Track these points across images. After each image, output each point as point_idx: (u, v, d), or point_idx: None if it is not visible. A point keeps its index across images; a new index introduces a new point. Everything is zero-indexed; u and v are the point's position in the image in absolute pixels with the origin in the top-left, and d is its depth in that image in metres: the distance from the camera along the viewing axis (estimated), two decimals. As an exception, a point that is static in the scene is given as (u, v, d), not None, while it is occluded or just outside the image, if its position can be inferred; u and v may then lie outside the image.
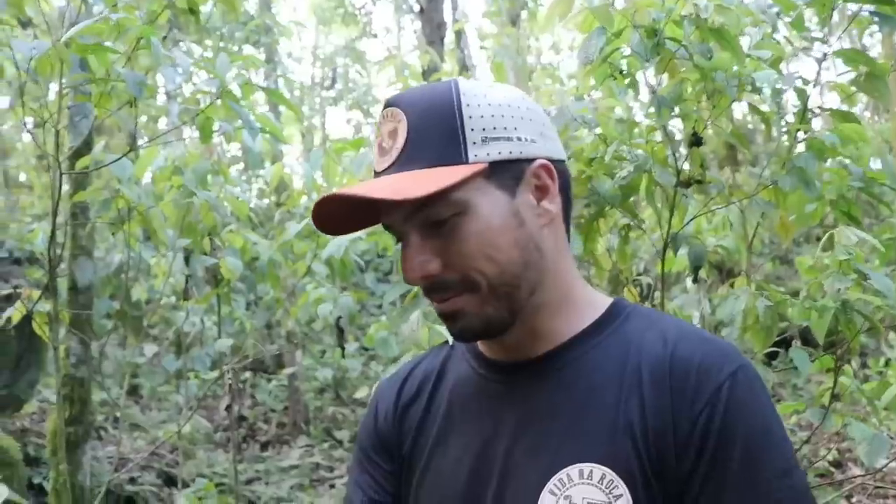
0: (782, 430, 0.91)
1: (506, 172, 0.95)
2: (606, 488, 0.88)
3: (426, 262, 0.94)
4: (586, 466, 0.90)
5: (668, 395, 0.90)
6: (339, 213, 0.97)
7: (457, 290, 0.94)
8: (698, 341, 0.95)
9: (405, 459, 1.09)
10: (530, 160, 0.97)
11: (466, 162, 0.92)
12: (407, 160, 0.93)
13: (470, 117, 0.94)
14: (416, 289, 1.99)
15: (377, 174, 0.97)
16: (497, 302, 0.95)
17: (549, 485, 0.91)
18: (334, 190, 0.96)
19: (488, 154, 0.93)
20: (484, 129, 0.94)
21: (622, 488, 0.88)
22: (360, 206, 0.96)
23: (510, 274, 0.94)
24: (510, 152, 0.95)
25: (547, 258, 0.98)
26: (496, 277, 0.94)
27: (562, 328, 1.00)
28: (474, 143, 0.93)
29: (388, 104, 0.98)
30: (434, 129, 0.93)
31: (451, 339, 1.16)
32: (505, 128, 0.95)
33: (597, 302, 1.03)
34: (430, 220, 0.93)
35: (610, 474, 0.89)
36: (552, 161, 0.99)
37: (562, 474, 0.91)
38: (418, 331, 1.72)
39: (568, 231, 1.04)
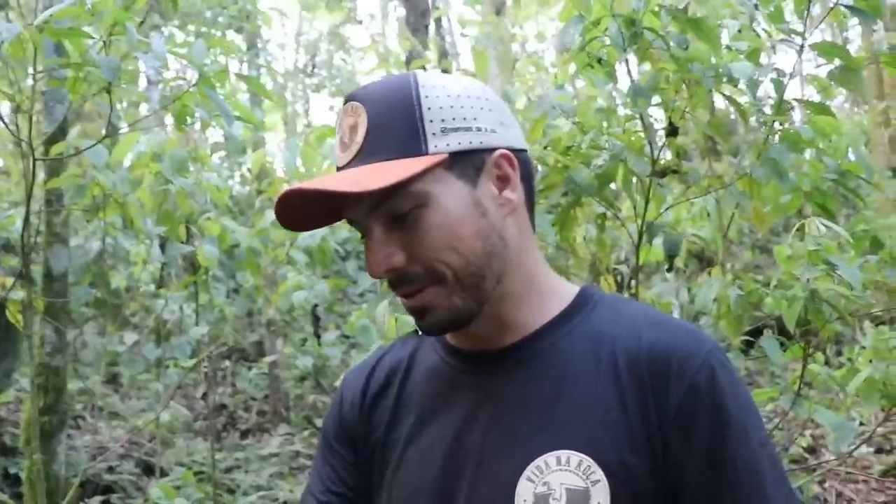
0: (753, 406, 0.95)
1: (466, 163, 0.95)
2: (584, 474, 0.89)
3: (390, 255, 0.93)
4: (563, 453, 0.91)
5: (646, 382, 0.92)
6: (303, 209, 0.97)
7: (423, 282, 0.94)
8: (668, 328, 0.96)
9: (376, 451, 1.08)
10: (491, 150, 0.97)
11: (426, 153, 0.92)
12: (367, 153, 0.93)
13: (429, 108, 0.94)
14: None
15: (339, 169, 0.97)
16: (464, 293, 0.95)
17: (527, 472, 0.91)
18: (295, 185, 0.95)
19: (448, 145, 0.94)
20: (443, 121, 0.94)
21: (600, 474, 0.89)
22: (322, 201, 0.95)
23: (475, 265, 0.94)
24: (470, 142, 0.95)
25: (510, 247, 0.98)
26: (461, 268, 0.94)
27: (528, 318, 1.00)
28: (433, 133, 0.93)
29: (347, 99, 0.98)
30: (393, 122, 0.93)
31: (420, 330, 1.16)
32: (464, 118, 0.95)
33: (563, 291, 1.04)
34: (393, 212, 0.93)
35: (587, 461, 0.89)
36: (513, 150, 0.99)
37: (539, 461, 0.91)
38: (385, 321, 1.72)
39: (532, 220, 1.04)
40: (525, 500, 0.91)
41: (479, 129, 0.96)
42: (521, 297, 1.00)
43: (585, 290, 1.04)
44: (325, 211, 0.98)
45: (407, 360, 1.11)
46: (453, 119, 0.95)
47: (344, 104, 0.98)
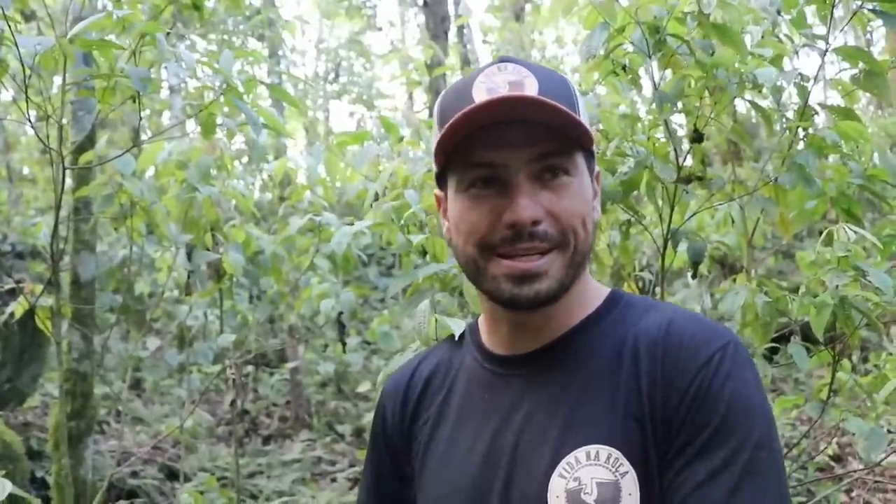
0: (766, 407, 0.93)
1: (591, 162, 1.05)
2: (613, 467, 0.91)
3: (537, 209, 0.96)
4: (593, 448, 0.93)
5: (661, 369, 0.94)
6: (468, 127, 0.96)
7: (551, 245, 0.97)
8: (690, 320, 0.99)
9: (417, 456, 1.12)
10: (595, 166, 1.06)
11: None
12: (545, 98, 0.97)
13: (580, 103, 1.02)
14: (419, 280, 1.99)
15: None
16: (572, 269, 0.99)
17: (559, 469, 0.94)
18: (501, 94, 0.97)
19: (590, 139, 1.01)
20: (587, 115, 1.04)
21: (627, 466, 0.91)
22: (491, 131, 0.95)
23: (587, 245, 1.01)
24: (593, 148, 1.05)
25: (591, 250, 1.06)
26: (582, 243, 0.99)
27: (567, 317, 1.04)
28: (582, 119, 1.00)
29: (502, 60, 1.01)
30: (560, 92, 0.99)
31: (456, 332, 1.19)
32: (590, 126, 1.04)
33: (599, 292, 1.08)
34: (551, 167, 0.97)
35: (616, 453, 0.92)
36: None
37: (570, 458, 0.93)
38: (426, 322, 1.72)
39: None
40: (558, 497, 0.93)
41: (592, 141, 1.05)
42: (576, 299, 1.04)
43: (615, 293, 1.08)
44: (480, 144, 0.97)
45: (445, 366, 1.15)
46: (588, 122, 1.03)
47: (495, 63, 1.01)
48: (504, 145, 0.95)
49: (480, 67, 1.03)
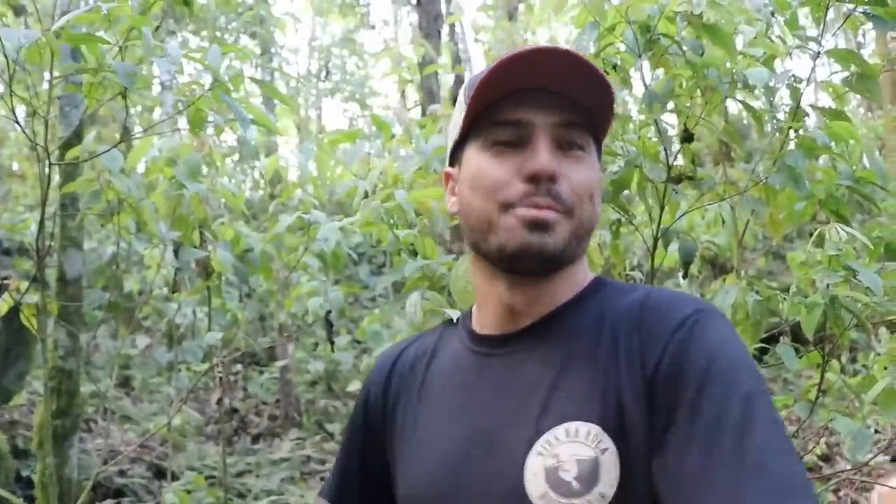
0: (748, 359, 0.91)
1: (599, 151, 1.08)
2: (592, 443, 0.90)
3: (557, 165, 0.99)
4: (572, 425, 0.92)
5: (638, 340, 0.94)
6: (507, 76, 0.99)
7: (563, 207, 0.99)
8: (668, 294, 1.00)
9: (395, 433, 1.13)
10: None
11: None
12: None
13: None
14: (406, 276, 1.99)
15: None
16: (575, 241, 1.01)
17: (537, 446, 0.93)
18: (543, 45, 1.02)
19: (607, 128, 1.07)
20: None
21: (608, 442, 0.90)
22: (528, 80, 0.99)
23: (591, 223, 1.03)
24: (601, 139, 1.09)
25: (591, 233, 1.06)
26: (588, 217, 1.02)
27: (554, 297, 1.05)
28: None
29: (532, 50, 1.01)
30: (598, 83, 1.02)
31: (454, 316, 1.21)
32: None
33: (585, 278, 1.09)
34: (570, 139, 1.01)
35: (595, 429, 0.90)
36: None
37: (549, 435, 0.93)
38: (417, 312, 1.72)
39: None
40: (535, 474, 0.91)
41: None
42: (568, 280, 1.06)
43: (599, 278, 1.10)
44: (508, 104, 1.01)
45: (432, 348, 1.16)
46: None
47: (533, 48, 1.01)
48: (532, 106, 1.00)
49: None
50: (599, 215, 1.06)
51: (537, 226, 0.98)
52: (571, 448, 0.91)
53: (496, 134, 1.01)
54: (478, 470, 0.98)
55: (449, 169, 1.12)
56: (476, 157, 1.03)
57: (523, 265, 1.00)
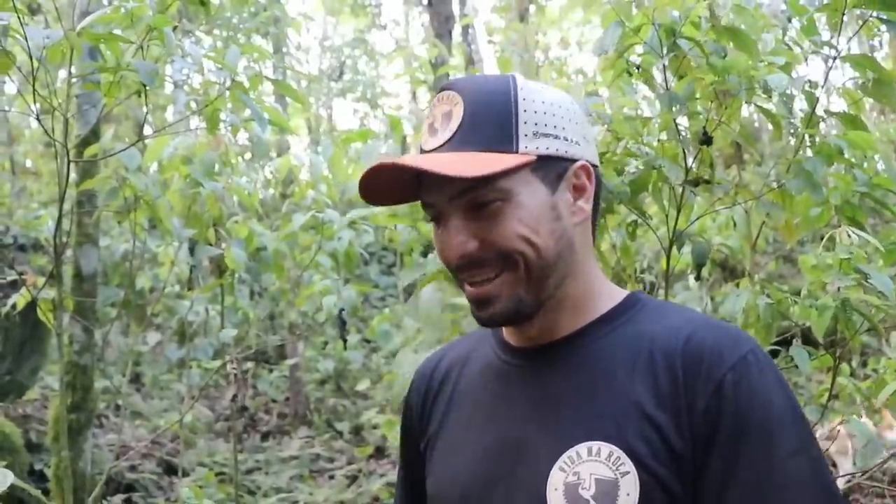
0: (796, 409, 0.92)
1: (550, 168, 1.00)
2: (613, 465, 0.91)
3: (466, 242, 0.97)
4: (595, 444, 0.93)
5: (680, 379, 0.93)
6: (386, 184, 1.00)
7: (495, 269, 0.97)
8: (709, 328, 0.97)
9: (430, 442, 1.15)
10: (573, 160, 1.02)
11: (516, 152, 0.97)
12: (460, 142, 0.97)
13: (525, 111, 0.98)
14: (432, 273, 2.00)
15: (424, 152, 1.00)
16: (529, 286, 0.98)
17: (559, 462, 0.94)
18: (389, 159, 0.99)
19: (537, 148, 0.98)
20: (536, 124, 0.99)
21: (629, 466, 0.90)
22: (407, 180, 1.00)
23: (545, 260, 0.98)
24: (557, 149, 1.00)
25: (576, 255, 1.02)
26: (533, 260, 0.97)
27: (579, 319, 1.04)
28: (525, 135, 0.97)
29: (444, 87, 1.02)
30: (490, 117, 0.98)
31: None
32: (555, 126, 1.00)
33: (614, 294, 1.07)
34: (474, 203, 0.97)
35: (617, 452, 0.91)
36: (591, 165, 1.04)
37: (571, 452, 0.93)
38: (433, 301, 1.73)
39: (594, 234, 1.09)
40: (556, 489, 0.93)
41: (565, 139, 1.01)
42: (578, 302, 1.04)
43: (633, 294, 1.07)
44: (406, 190, 1.02)
45: (466, 356, 1.17)
46: (545, 125, 0.99)
47: (439, 92, 1.02)
48: (432, 185, 0.98)
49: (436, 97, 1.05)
50: (559, 240, 0.99)
51: (479, 303, 1.00)
52: (592, 467, 0.92)
53: (426, 212, 1.03)
54: (503, 478, 0.99)
55: None
56: None
57: (497, 326, 1.04)
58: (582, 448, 0.93)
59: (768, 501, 0.87)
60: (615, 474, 0.90)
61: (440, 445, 1.12)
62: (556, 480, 0.93)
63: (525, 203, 0.97)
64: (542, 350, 1.04)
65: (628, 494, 0.89)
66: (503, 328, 1.10)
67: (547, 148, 0.98)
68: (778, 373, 0.95)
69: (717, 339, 0.95)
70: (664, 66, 1.81)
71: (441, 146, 0.98)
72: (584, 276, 1.04)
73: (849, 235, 1.83)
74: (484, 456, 1.03)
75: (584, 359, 1.00)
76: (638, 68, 1.86)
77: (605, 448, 0.92)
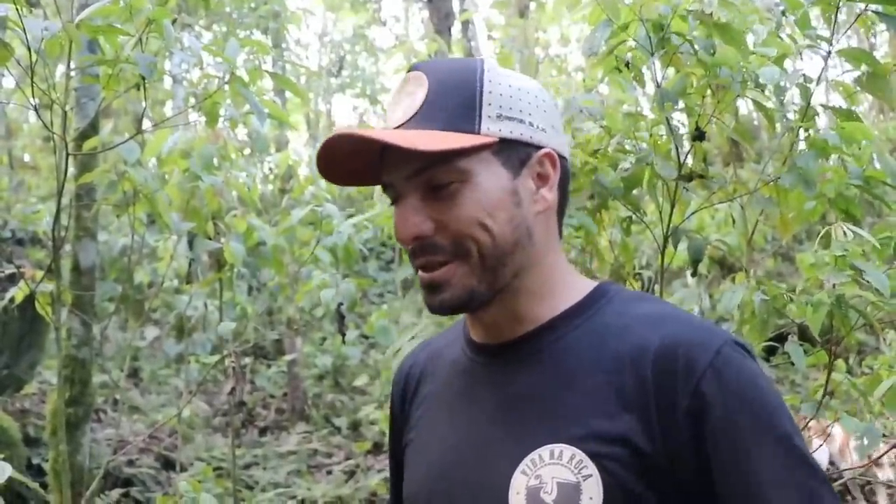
0: (777, 397, 0.92)
1: (513, 152, 0.98)
2: (576, 468, 0.89)
3: (421, 223, 0.96)
4: (557, 447, 0.91)
5: (649, 379, 0.90)
6: (344, 159, 0.99)
7: (446, 256, 0.96)
8: (680, 322, 0.95)
9: (408, 433, 1.14)
10: (538, 147, 1.00)
11: (478, 133, 0.95)
12: (421, 119, 0.96)
13: (490, 93, 0.97)
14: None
15: (387, 129, 0.99)
16: (482, 275, 0.96)
17: (521, 465, 0.92)
18: (346, 130, 0.98)
19: (500, 130, 0.97)
20: (500, 107, 0.97)
21: (591, 469, 0.89)
22: (364, 156, 0.99)
23: (500, 248, 0.96)
24: (521, 134, 0.98)
25: (536, 245, 1.00)
26: (488, 247, 0.96)
27: (542, 312, 1.01)
28: (489, 117, 0.96)
29: (412, 69, 1.01)
30: (453, 97, 0.97)
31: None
32: (520, 111, 0.99)
33: (580, 286, 1.04)
34: (432, 182, 0.95)
35: (580, 454, 0.90)
36: (557, 155, 1.02)
37: (534, 455, 0.92)
38: None
39: (560, 226, 1.06)
40: (518, 493, 0.91)
41: (531, 125, 0.99)
42: (538, 294, 1.01)
43: (601, 286, 1.04)
44: (364, 168, 1.01)
45: (440, 352, 1.15)
46: (510, 108, 0.98)
47: (407, 72, 1.02)
48: (389, 164, 0.97)
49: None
50: (514, 228, 0.97)
51: (429, 289, 0.98)
52: (554, 470, 0.90)
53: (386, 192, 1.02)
54: (466, 482, 0.98)
55: None
56: None
57: (448, 314, 1.01)
58: (544, 451, 0.92)
59: (789, 484, 0.86)
60: (577, 478, 0.89)
61: (412, 445, 1.11)
62: (519, 484, 0.92)
63: (484, 186, 0.95)
64: (506, 347, 1.02)
65: (591, 498, 0.88)
66: (468, 324, 1.08)
67: (511, 132, 0.97)
68: (753, 359, 0.94)
69: (690, 334, 0.93)
70: (654, 63, 1.81)
71: (403, 123, 0.97)
72: (546, 267, 1.02)
73: (844, 233, 1.84)
74: (448, 457, 1.02)
75: (548, 357, 0.98)
76: (627, 65, 1.86)
77: (568, 451, 0.90)
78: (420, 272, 0.99)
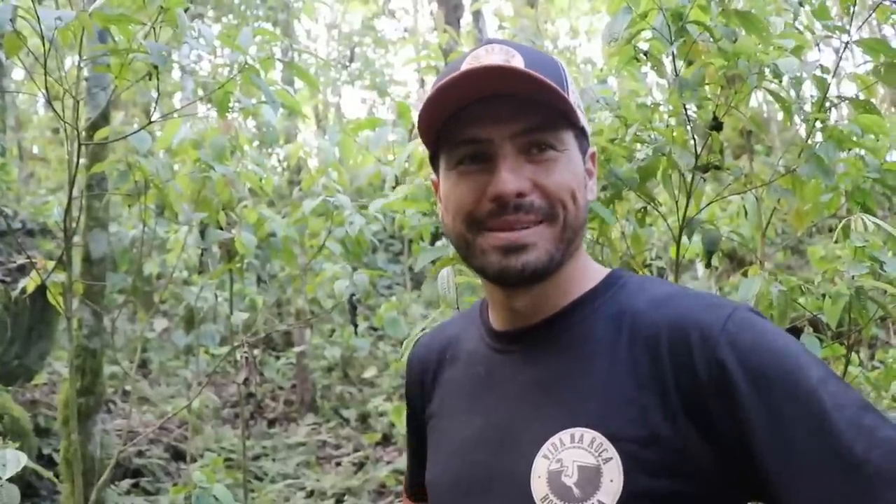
0: (798, 346, 0.88)
1: (583, 141, 1.03)
2: (596, 451, 0.90)
3: (522, 180, 0.96)
4: (577, 431, 0.91)
5: (665, 358, 0.90)
6: (452, 101, 0.96)
7: (538, 217, 0.96)
8: (689, 298, 0.96)
9: (428, 421, 1.15)
10: (589, 145, 1.06)
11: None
12: (530, 67, 0.96)
13: (570, 82, 1.02)
14: (448, 256, 1.99)
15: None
16: (563, 244, 0.98)
17: (543, 449, 0.93)
18: (477, 63, 0.97)
19: (580, 118, 1.01)
20: (577, 97, 1.03)
21: (612, 451, 0.89)
22: (450, 110, 0.97)
23: (580, 220, 1.00)
24: (586, 128, 1.04)
25: (584, 227, 1.04)
26: (573, 217, 0.98)
27: (561, 296, 1.02)
28: (574, 103, 0.99)
29: (490, 41, 1.01)
30: (548, 72, 0.97)
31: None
32: (582, 107, 1.05)
33: (596, 273, 1.05)
34: (538, 142, 0.96)
35: (600, 438, 0.90)
36: None
37: (554, 439, 0.93)
38: (450, 288, 1.72)
39: None
40: (540, 476, 0.92)
41: (586, 123, 1.05)
42: (569, 279, 1.03)
43: (615, 272, 1.06)
44: (465, 120, 0.97)
45: (457, 339, 1.16)
46: (580, 104, 1.03)
47: (484, 45, 1.01)
48: (488, 120, 0.96)
49: (468, 50, 1.02)
50: (586, 208, 1.02)
51: (511, 250, 0.96)
52: (575, 454, 0.91)
53: (458, 153, 0.99)
54: (489, 465, 0.99)
55: (433, 177, 1.11)
56: (445, 178, 1.02)
57: (509, 283, 1.00)
58: (565, 435, 0.92)
59: (823, 432, 0.80)
60: (598, 461, 0.89)
61: (435, 433, 1.13)
62: (540, 468, 0.92)
63: (574, 161, 1.00)
64: (525, 333, 1.03)
65: (612, 480, 0.88)
66: (492, 311, 1.09)
67: (583, 123, 1.02)
68: (766, 321, 0.91)
69: (700, 308, 0.92)
70: (672, 52, 1.80)
71: (509, 64, 0.95)
72: (581, 253, 1.05)
73: (864, 225, 1.82)
74: (470, 444, 1.03)
75: (566, 342, 0.99)
76: (645, 55, 1.85)
77: (588, 434, 0.91)
78: (499, 235, 0.97)
